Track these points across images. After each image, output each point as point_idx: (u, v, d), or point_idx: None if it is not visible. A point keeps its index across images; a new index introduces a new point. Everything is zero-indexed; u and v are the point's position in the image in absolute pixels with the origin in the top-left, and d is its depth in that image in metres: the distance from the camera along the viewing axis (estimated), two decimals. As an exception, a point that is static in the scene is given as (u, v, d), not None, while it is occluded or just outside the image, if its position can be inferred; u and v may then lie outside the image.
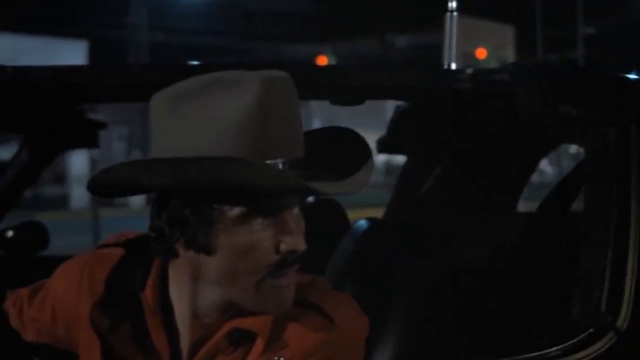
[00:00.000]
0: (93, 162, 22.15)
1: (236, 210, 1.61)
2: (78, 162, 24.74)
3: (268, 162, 1.57)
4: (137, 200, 25.83)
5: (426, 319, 2.16)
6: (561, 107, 1.94)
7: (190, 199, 1.62)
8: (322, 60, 26.68)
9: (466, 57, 29.75)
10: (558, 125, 2.01)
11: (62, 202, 24.97)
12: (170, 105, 1.61)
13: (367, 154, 1.71)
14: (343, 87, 2.37)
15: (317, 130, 1.75)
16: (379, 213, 3.39)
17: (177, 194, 1.63)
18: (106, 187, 1.67)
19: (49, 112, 2.70)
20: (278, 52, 32.76)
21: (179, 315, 1.73)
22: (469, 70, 2.28)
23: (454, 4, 2.61)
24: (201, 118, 1.58)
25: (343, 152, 1.70)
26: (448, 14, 2.62)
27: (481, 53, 27.47)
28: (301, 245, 1.63)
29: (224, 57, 30.34)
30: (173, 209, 1.63)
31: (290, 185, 1.58)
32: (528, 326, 2.16)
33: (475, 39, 26.19)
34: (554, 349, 1.81)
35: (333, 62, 25.92)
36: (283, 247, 1.62)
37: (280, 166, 1.59)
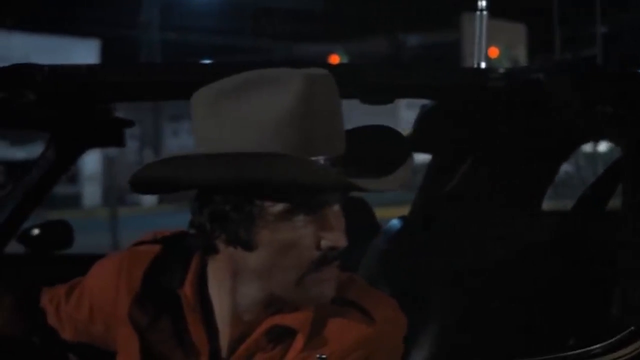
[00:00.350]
0: (105, 161, 22.18)
1: (278, 207, 1.61)
2: (90, 161, 24.80)
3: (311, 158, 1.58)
4: (149, 199, 25.88)
5: (463, 318, 2.16)
6: (599, 107, 1.94)
7: (232, 195, 1.62)
8: (334, 59, 26.64)
9: (477, 56, 29.63)
10: (596, 124, 2.02)
11: (74, 201, 25.03)
12: (212, 102, 1.62)
13: (406, 152, 1.71)
14: (374, 86, 2.38)
15: (356, 128, 1.75)
16: (395, 212, 3.37)
17: (219, 190, 1.63)
18: (148, 183, 1.68)
19: (79, 110, 2.71)
20: (290, 51, 32.77)
21: (218, 311, 1.73)
22: (502, 70, 2.29)
23: (483, 3, 2.61)
24: (244, 114, 1.59)
25: (383, 149, 1.71)
26: (478, 13, 2.62)
27: (493, 52, 27.39)
28: (342, 241, 1.64)
29: (236, 56, 30.37)
30: (215, 205, 1.64)
31: (333, 182, 1.59)
32: (568, 324, 2.16)
33: (487, 38, 26.08)
34: (594, 347, 1.81)
35: (345, 61, 25.90)
36: (324, 243, 1.63)
37: (322, 163, 1.60)
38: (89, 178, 25.24)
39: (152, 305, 1.80)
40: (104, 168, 21.55)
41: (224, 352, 1.73)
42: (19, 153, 18.75)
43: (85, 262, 1.97)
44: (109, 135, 3.15)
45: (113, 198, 15.09)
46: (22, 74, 2.01)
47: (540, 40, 29.78)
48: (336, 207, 1.66)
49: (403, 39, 35.20)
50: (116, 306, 1.84)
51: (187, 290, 1.74)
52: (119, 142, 3.25)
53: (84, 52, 24.19)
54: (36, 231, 3.54)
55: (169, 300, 1.77)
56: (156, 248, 1.85)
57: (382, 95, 2.49)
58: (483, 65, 2.58)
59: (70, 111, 2.60)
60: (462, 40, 31.72)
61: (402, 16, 32.46)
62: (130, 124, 3.22)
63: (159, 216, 23.99)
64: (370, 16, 32.12)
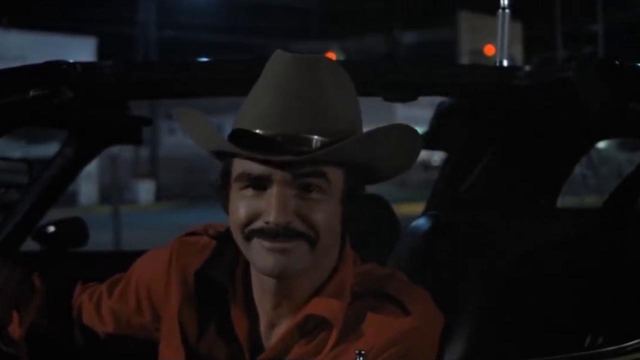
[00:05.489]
0: (102, 158, 22.07)
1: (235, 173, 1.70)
2: (87, 158, 24.61)
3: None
4: (146, 197, 25.86)
5: (499, 316, 2.17)
6: (632, 104, 1.95)
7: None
8: (330, 57, 26.57)
9: (474, 54, 29.69)
10: (629, 122, 2.02)
11: (70, 199, 24.97)
12: None
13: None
14: (397, 83, 2.38)
15: None
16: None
17: None
18: None
19: (103, 107, 2.72)
20: (286, 49, 32.69)
21: (258, 303, 1.76)
22: (527, 68, 2.30)
23: (506, 1, 2.61)
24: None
25: None
26: (500, 11, 2.63)
27: (489, 50, 27.40)
28: (273, 218, 1.64)
29: (232, 53, 30.34)
30: None
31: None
32: (601, 320, 2.17)
33: (483, 36, 26.14)
34: (630, 343, 1.81)
35: (341, 59, 25.84)
36: (263, 217, 1.65)
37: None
38: (85, 176, 25.15)
39: (202, 296, 1.83)
40: (101, 165, 21.44)
41: (264, 343, 1.76)
42: (35, 151, 18.65)
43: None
44: (128, 132, 3.16)
45: (115, 195, 15.04)
46: (59, 70, 2.00)
47: (535, 38, 29.84)
48: (285, 189, 1.66)
49: (399, 37, 35.21)
50: (168, 294, 1.87)
51: (235, 283, 1.78)
52: (137, 139, 3.26)
53: (81, 50, 24.07)
54: (51, 229, 3.53)
55: (218, 293, 1.80)
56: (206, 239, 1.88)
57: (404, 92, 2.50)
58: (505, 63, 2.58)
59: (96, 109, 2.61)
60: (458, 38, 31.78)
61: (399, 13, 32.51)
62: (148, 121, 3.24)
63: (155, 214, 23.99)
64: (367, 14, 32.15)
